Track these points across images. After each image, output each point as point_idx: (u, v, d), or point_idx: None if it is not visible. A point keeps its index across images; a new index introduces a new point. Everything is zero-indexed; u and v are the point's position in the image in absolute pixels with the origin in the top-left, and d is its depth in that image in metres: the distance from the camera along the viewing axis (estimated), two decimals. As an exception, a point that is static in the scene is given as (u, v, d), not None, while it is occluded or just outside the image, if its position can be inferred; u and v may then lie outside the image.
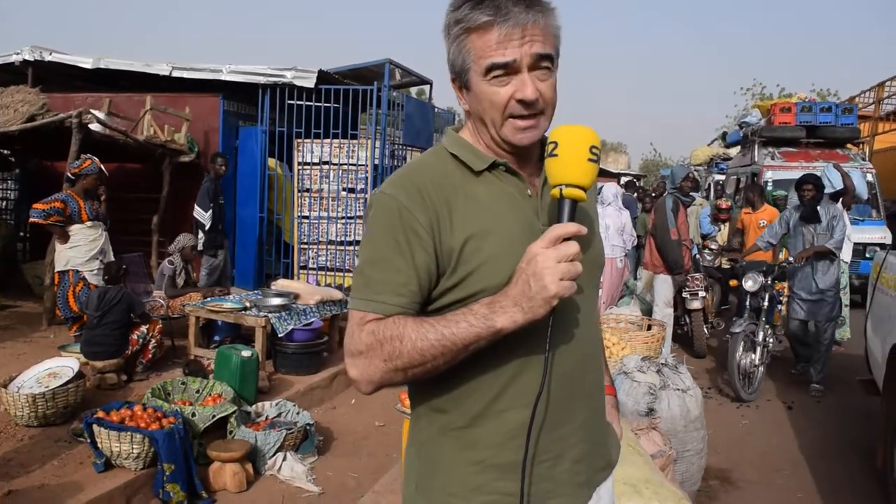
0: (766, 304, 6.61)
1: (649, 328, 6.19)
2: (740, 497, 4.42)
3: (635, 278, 9.39)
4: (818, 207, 6.58)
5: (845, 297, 8.06)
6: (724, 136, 17.64)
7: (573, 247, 1.22)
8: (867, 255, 10.68)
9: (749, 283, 6.57)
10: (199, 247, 7.56)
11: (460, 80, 1.38)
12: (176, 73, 8.90)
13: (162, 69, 8.91)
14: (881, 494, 4.41)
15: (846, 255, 7.98)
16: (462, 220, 1.32)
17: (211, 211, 7.60)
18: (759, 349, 6.33)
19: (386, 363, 1.26)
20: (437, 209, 1.31)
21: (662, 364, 4.37)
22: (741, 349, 6.28)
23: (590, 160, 1.29)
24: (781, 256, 8.29)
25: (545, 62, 1.32)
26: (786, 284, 7.10)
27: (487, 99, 1.33)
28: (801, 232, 6.69)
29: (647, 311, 7.50)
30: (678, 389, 4.12)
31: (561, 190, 1.28)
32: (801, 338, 6.88)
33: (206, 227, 7.58)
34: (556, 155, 1.29)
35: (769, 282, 6.64)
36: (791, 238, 6.83)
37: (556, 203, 1.32)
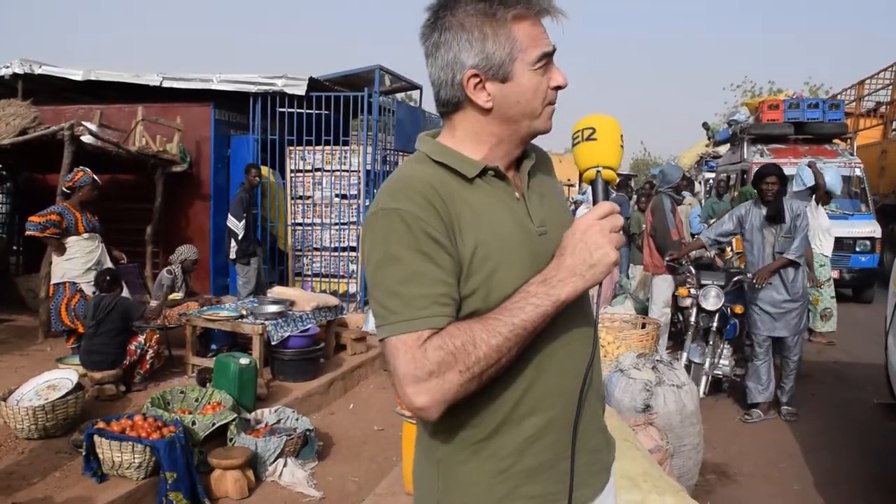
0: (714, 324, 5.83)
1: (643, 326, 6.24)
2: (737, 490, 4.48)
3: (628, 277, 9.44)
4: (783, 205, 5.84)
5: (830, 290, 8.12)
6: (705, 125, 17.74)
7: (619, 219, 1.31)
8: (857, 249, 10.87)
9: (711, 301, 5.77)
10: (232, 255, 7.80)
11: (496, 72, 1.33)
12: (166, 84, 8.90)
13: (152, 80, 8.92)
14: (876, 486, 4.48)
15: (827, 249, 8.00)
16: (468, 227, 1.30)
17: (244, 220, 7.77)
18: (705, 379, 5.69)
19: (462, 374, 1.21)
20: (446, 216, 1.29)
21: (658, 361, 4.42)
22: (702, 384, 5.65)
23: (621, 146, 1.41)
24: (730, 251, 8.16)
25: None
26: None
27: (533, 88, 1.34)
28: (761, 234, 5.80)
29: (641, 309, 7.55)
30: (673, 385, 4.16)
31: (599, 171, 1.38)
32: (760, 362, 5.78)
33: (240, 237, 7.77)
34: (594, 139, 1.38)
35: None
36: (747, 241, 5.92)
37: (538, 204, 1.43)
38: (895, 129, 16.58)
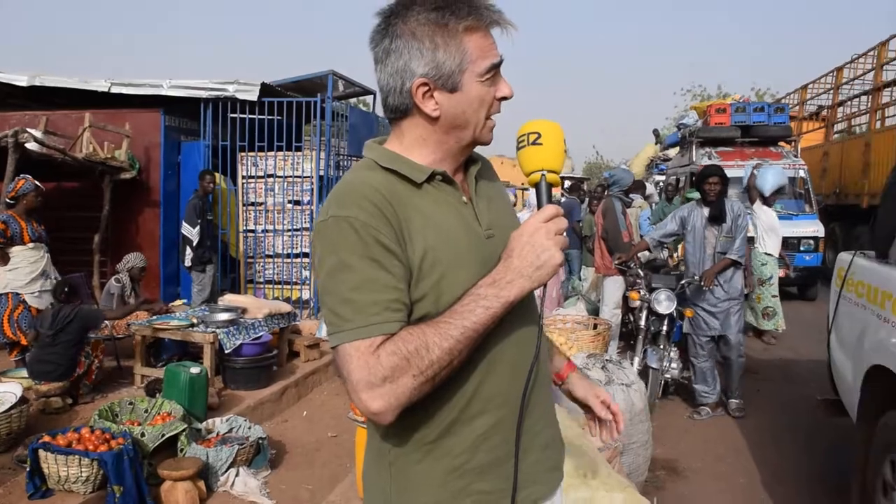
0: (664, 328, 5.76)
1: (595, 327, 6.33)
2: (686, 486, 4.59)
3: (580, 279, 9.55)
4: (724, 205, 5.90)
5: (773, 289, 8.33)
6: (655, 132, 18.09)
7: (564, 222, 1.33)
8: (802, 248, 11.12)
9: (664, 306, 5.68)
10: (187, 263, 7.70)
11: (445, 82, 1.34)
12: (115, 90, 8.76)
13: (100, 85, 8.76)
14: (819, 479, 4.61)
15: (769, 248, 8.21)
16: (417, 233, 1.32)
17: (199, 227, 7.69)
18: (650, 381, 5.41)
19: (416, 378, 1.23)
20: (396, 222, 1.30)
21: (607, 360, 4.49)
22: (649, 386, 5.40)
23: (564, 151, 1.44)
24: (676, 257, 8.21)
25: None
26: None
27: (480, 98, 1.36)
28: (703, 235, 5.85)
29: (593, 310, 7.65)
30: (623, 384, 4.23)
31: (544, 175, 1.40)
32: (705, 362, 5.84)
33: (195, 243, 7.68)
34: (540, 144, 1.39)
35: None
36: (690, 242, 5.94)
37: (485, 208, 1.46)
38: (836, 133, 17.11)
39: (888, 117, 14.16)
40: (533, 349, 1.42)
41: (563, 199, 12.16)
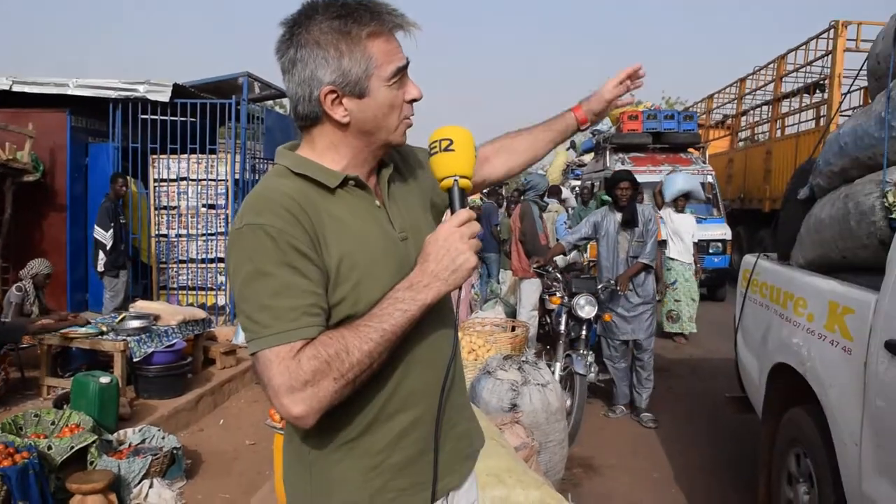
0: (584, 332, 5.67)
1: (513, 329, 6.42)
2: (601, 482, 4.70)
3: (498, 282, 9.67)
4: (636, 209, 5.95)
5: (676, 293, 8.58)
6: (572, 142, 18.45)
7: (476, 226, 1.36)
8: (710, 251, 11.53)
9: (585, 311, 5.56)
10: (100, 268, 7.47)
11: (352, 88, 1.36)
12: (17, 88, 8.37)
13: (1, 83, 8.37)
14: (725, 470, 4.81)
15: (677, 253, 8.43)
16: (332, 238, 1.34)
17: (112, 230, 7.45)
18: (577, 388, 5.22)
19: (337, 381, 1.25)
20: (311, 228, 1.31)
21: (524, 362, 4.54)
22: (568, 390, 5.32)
23: (475, 156, 1.46)
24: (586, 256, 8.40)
25: None
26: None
27: (389, 103, 1.38)
28: (616, 239, 5.91)
29: (511, 313, 7.74)
30: (539, 384, 4.30)
31: (456, 181, 1.41)
32: (619, 363, 5.99)
33: (108, 247, 7.45)
34: (452, 150, 1.41)
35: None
36: (603, 247, 5.99)
37: (398, 210, 1.49)
38: (740, 140, 17.91)
39: (787, 126, 14.85)
40: (450, 348, 1.47)
41: (483, 203, 12.29)
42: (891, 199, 2.63)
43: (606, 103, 1.91)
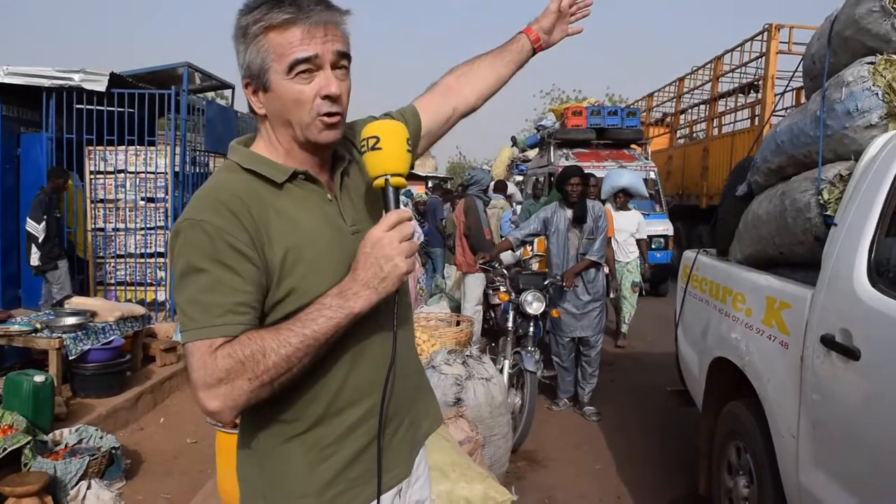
0: (532, 329, 5.56)
1: (458, 324, 6.43)
2: (546, 474, 4.75)
3: (443, 276, 9.67)
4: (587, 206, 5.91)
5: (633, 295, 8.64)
6: (514, 139, 18.57)
7: (409, 227, 1.33)
8: (653, 246, 11.51)
9: (533, 307, 5.45)
10: (34, 262, 7.27)
11: (257, 82, 1.36)
12: (-58, 75, 8.01)
13: (-75, 71, 7.99)
14: (665, 459, 4.91)
15: (621, 254, 8.21)
16: (277, 234, 1.33)
17: (45, 223, 7.25)
18: (529, 386, 5.13)
19: (251, 381, 1.25)
20: (253, 225, 1.31)
21: (468, 356, 4.55)
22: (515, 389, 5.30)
23: (408, 151, 1.41)
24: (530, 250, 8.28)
25: (344, 61, 1.38)
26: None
27: (292, 98, 1.34)
28: (566, 236, 5.86)
29: (455, 307, 7.76)
30: (483, 378, 4.32)
31: (387, 179, 1.38)
32: (566, 359, 6.02)
33: (40, 240, 7.24)
34: (379, 148, 1.36)
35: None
36: (553, 243, 5.93)
37: (352, 204, 1.48)
38: (679, 138, 18.29)
39: (724, 125, 15.23)
40: (402, 342, 1.49)
41: (429, 198, 12.27)
42: (826, 196, 2.71)
43: (553, 14, 1.83)
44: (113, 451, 4.42)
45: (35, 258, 7.30)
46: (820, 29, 3.29)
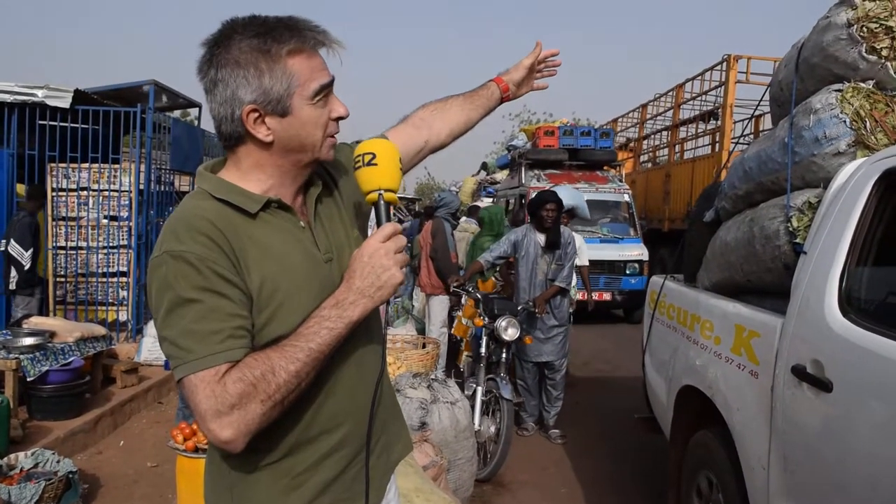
0: (504, 355, 5.38)
1: (424, 346, 6.30)
2: (511, 498, 4.65)
3: (410, 298, 9.53)
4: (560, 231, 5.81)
5: None
6: (484, 165, 18.41)
7: (403, 240, 1.35)
8: (627, 272, 11.24)
9: (510, 332, 5.26)
10: (12, 286, 6.99)
11: (278, 107, 1.32)
12: None
13: None
14: (631, 482, 4.83)
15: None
16: (254, 262, 1.31)
17: (32, 250, 7.01)
18: (505, 414, 4.91)
19: (264, 403, 1.22)
20: (231, 254, 1.29)
21: (433, 379, 4.47)
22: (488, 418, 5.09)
23: (400, 169, 1.44)
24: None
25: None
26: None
27: (314, 121, 1.35)
28: (535, 260, 5.76)
29: (421, 329, 7.63)
30: (448, 402, 4.25)
31: (381, 194, 1.39)
32: (531, 383, 5.92)
33: (26, 268, 7.01)
34: (375, 164, 1.38)
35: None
36: (523, 267, 5.82)
37: (325, 231, 1.46)
38: (642, 163, 18.44)
39: (686, 150, 15.38)
40: (377, 364, 1.48)
41: (411, 221, 12.04)
42: (795, 223, 2.65)
43: (526, 69, 1.91)
44: (70, 476, 4.23)
45: (14, 282, 7.02)
46: (787, 56, 3.26)
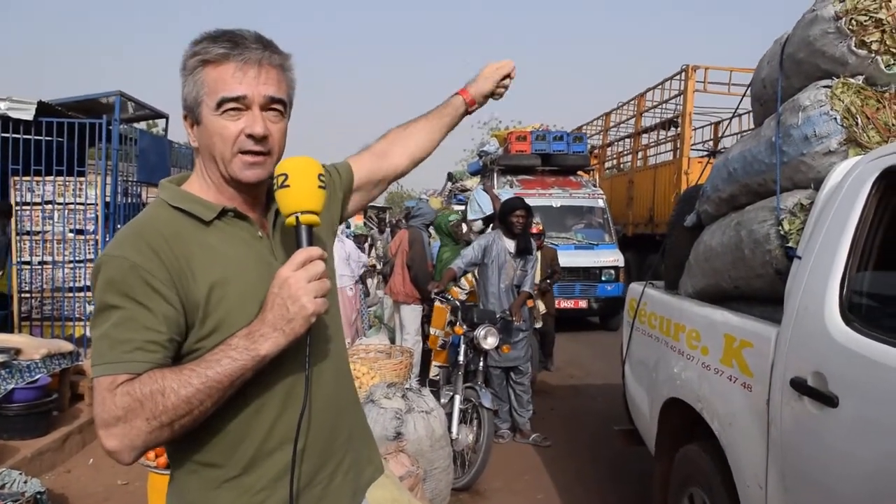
0: (482, 363, 5.30)
1: (397, 355, 6.06)
2: (488, 505, 4.49)
3: (383, 307, 9.27)
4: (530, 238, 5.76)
5: None
6: (449, 175, 18.06)
7: (319, 265, 1.25)
8: (603, 278, 10.82)
9: (489, 341, 5.11)
10: None
11: (192, 115, 1.32)
12: None
13: None
14: (609, 486, 4.70)
15: None
16: (202, 270, 1.27)
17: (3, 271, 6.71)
18: (486, 422, 4.82)
19: (149, 422, 1.17)
20: (174, 263, 1.24)
21: (407, 389, 4.36)
22: (466, 427, 4.94)
23: (319, 187, 1.32)
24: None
25: (277, 105, 1.33)
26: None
27: (218, 133, 1.29)
28: (503, 267, 5.61)
29: (394, 339, 7.38)
30: (423, 411, 4.14)
31: (297, 217, 1.30)
32: (499, 388, 5.75)
33: None
34: (287, 186, 1.29)
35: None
36: (492, 273, 5.63)
37: (288, 241, 1.37)
38: (607, 169, 18.37)
39: (649, 157, 15.37)
40: (335, 380, 1.45)
41: (373, 231, 11.66)
42: (786, 226, 2.42)
43: (495, 82, 1.84)
44: (38, 496, 4.00)
45: None
46: (769, 52, 3.03)
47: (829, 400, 1.96)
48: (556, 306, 7.99)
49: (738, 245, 2.72)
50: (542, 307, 7.48)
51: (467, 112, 1.85)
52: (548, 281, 7.54)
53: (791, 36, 2.78)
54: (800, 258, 2.30)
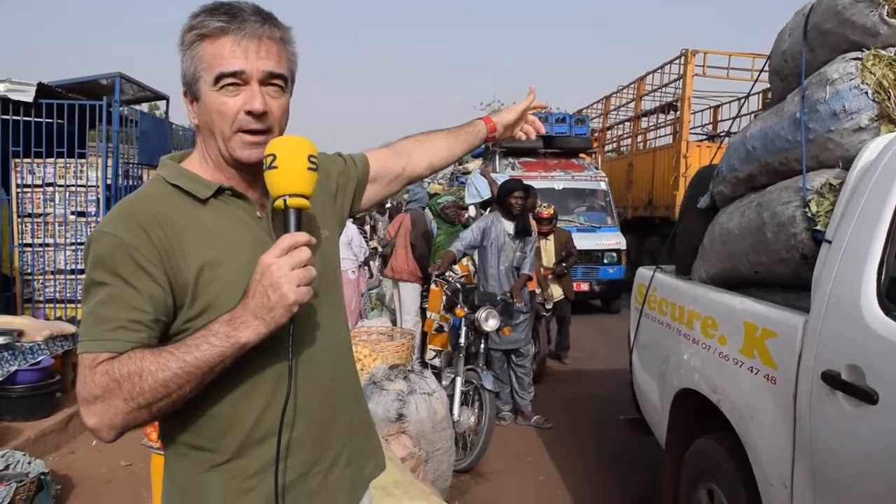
0: (482, 345, 5.20)
1: (400, 337, 5.90)
2: (489, 487, 4.43)
3: (384, 289, 9.10)
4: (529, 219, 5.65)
5: None
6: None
7: (305, 252, 1.18)
8: (605, 261, 10.61)
9: (491, 323, 4.98)
10: None
11: (191, 91, 1.27)
12: None
13: None
14: (609, 469, 4.59)
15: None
16: (194, 249, 1.21)
17: None
18: (487, 404, 4.73)
19: (127, 403, 1.13)
20: (164, 242, 1.19)
21: (409, 371, 4.27)
22: (467, 408, 4.84)
23: (309, 169, 1.23)
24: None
25: (277, 80, 1.27)
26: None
27: (216, 109, 1.23)
28: (503, 248, 5.47)
29: (395, 321, 7.23)
30: (425, 393, 4.06)
31: (285, 200, 1.21)
32: (500, 371, 5.59)
33: None
34: (275, 167, 1.20)
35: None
36: (491, 255, 5.49)
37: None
38: (607, 153, 18.11)
39: (648, 140, 15.15)
40: (331, 366, 1.37)
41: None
42: (814, 208, 2.20)
43: (518, 113, 1.86)
44: (42, 477, 3.96)
45: None
46: (791, 24, 2.77)
47: (867, 396, 1.75)
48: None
49: (759, 228, 2.49)
50: (557, 291, 7.30)
51: (488, 138, 1.84)
52: (563, 264, 7.31)
53: (816, 5, 2.53)
54: (830, 242, 2.08)
